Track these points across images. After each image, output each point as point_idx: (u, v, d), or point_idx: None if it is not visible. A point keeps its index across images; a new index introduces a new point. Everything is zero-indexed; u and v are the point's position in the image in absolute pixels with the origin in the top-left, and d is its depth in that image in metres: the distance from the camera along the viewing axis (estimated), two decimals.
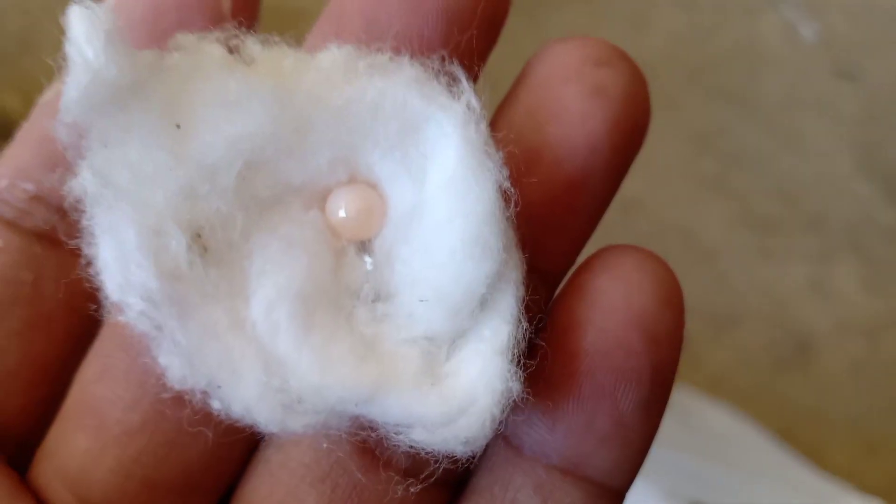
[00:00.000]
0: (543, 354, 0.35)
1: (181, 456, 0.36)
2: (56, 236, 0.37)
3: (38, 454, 0.38)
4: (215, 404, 0.31)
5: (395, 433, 0.32)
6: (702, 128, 1.03)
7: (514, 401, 0.32)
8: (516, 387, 0.32)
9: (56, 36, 0.30)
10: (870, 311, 0.99)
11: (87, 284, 0.32)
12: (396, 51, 0.34)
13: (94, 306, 0.32)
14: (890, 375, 0.97)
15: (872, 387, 0.96)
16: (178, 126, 0.32)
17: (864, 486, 0.88)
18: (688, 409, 0.89)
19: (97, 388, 0.36)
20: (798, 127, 1.05)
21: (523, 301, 0.33)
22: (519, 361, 0.32)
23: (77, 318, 0.38)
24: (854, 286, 0.99)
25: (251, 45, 0.33)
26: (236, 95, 0.32)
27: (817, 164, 1.04)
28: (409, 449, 0.32)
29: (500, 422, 0.31)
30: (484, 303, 0.33)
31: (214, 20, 0.35)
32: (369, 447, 0.35)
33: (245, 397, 0.31)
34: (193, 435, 0.35)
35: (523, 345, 0.33)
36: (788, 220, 1.02)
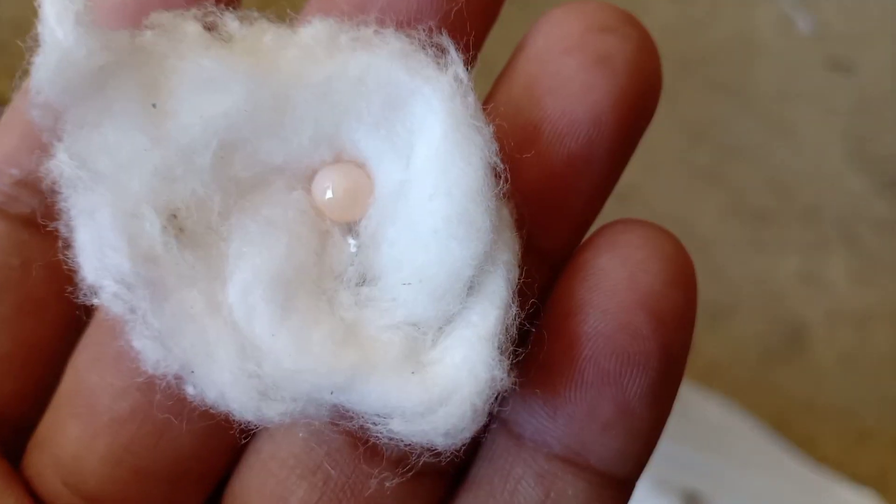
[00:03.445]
0: (539, 339, 0.33)
1: (172, 445, 0.35)
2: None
3: (31, 443, 0.36)
4: (189, 390, 0.30)
5: (374, 423, 0.30)
6: (696, 119, 1.01)
7: (502, 391, 0.30)
8: (503, 376, 0.29)
9: (35, 46, 0.29)
10: (861, 302, 0.98)
11: (66, 267, 0.30)
12: (381, 23, 0.32)
13: (70, 289, 0.31)
14: (880, 366, 0.96)
15: (863, 377, 0.96)
16: (154, 106, 0.30)
17: (854, 475, 0.88)
18: (681, 399, 0.88)
19: (89, 375, 0.35)
20: (791, 119, 1.04)
21: (515, 285, 0.31)
22: (509, 349, 0.30)
23: (69, 303, 0.36)
24: (845, 277, 0.99)
25: (229, 21, 0.31)
26: (212, 74, 0.30)
27: (810, 156, 1.03)
28: (387, 441, 0.30)
29: (485, 414, 0.29)
30: (472, 286, 0.31)
31: None
32: (361, 438, 0.33)
33: (219, 382, 0.29)
34: (179, 423, 0.34)
35: (514, 331, 0.31)
36: (781, 211, 1.01)
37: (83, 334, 0.36)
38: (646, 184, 0.95)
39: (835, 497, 0.86)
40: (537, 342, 0.33)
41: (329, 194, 0.32)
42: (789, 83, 1.05)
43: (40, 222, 0.33)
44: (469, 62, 0.31)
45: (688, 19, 1.06)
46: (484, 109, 0.31)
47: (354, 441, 0.34)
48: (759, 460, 0.88)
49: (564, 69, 0.32)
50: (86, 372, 0.35)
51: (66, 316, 0.37)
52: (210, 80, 0.30)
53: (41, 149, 0.31)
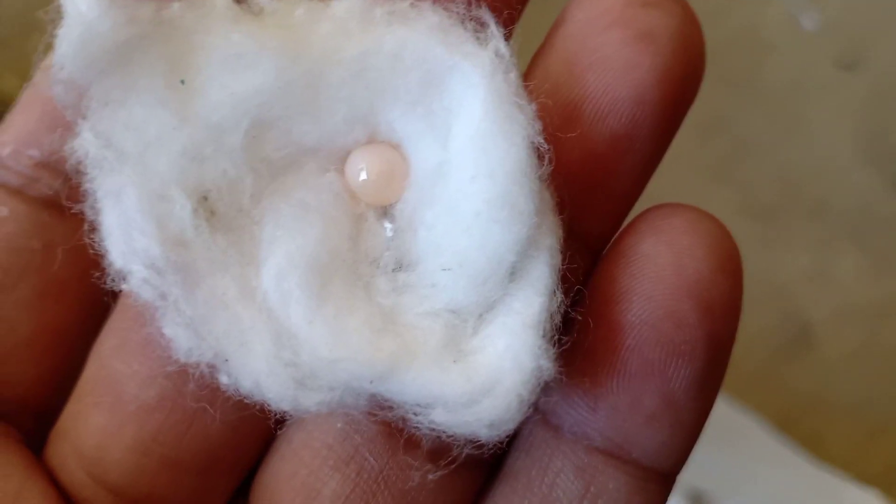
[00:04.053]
0: (583, 327, 0.31)
1: (201, 433, 0.34)
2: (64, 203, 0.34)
3: (53, 433, 0.35)
4: (223, 379, 0.28)
5: (415, 414, 0.28)
6: (705, 115, 1.00)
7: (547, 381, 0.28)
8: (548, 365, 0.28)
9: (57, 19, 0.28)
10: (870, 299, 0.96)
11: (92, 251, 0.29)
12: None
13: (97, 274, 0.29)
14: (889, 363, 0.95)
15: (872, 374, 0.94)
16: (183, 82, 0.29)
17: (863, 474, 0.86)
18: None
19: (113, 362, 0.34)
20: (801, 115, 1.02)
21: (559, 270, 0.29)
22: (553, 337, 0.29)
23: (92, 287, 0.34)
24: (855, 274, 0.97)
25: None
26: (242, 49, 0.29)
27: (819, 152, 1.01)
28: (429, 432, 0.28)
29: (530, 404, 0.28)
30: (514, 272, 0.29)
31: None
32: (396, 427, 0.32)
33: (254, 371, 0.28)
34: (213, 412, 0.33)
35: (558, 318, 0.29)
36: (790, 207, 0.99)
37: (107, 320, 0.35)
38: (654, 180, 0.94)
39: (841, 496, 0.85)
40: (580, 330, 0.31)
41: (363, 176, 0.31)
42: (799, 79, 1.04)
43: (64, 204, 0.32)
44: (510, 36, 0.30)
45: (697, 15, 1.05)
46: (525, 87, 0.29)
47: (391, 431, 0.33)
48: (766, 458, 0.87)
49: (606, 45, 0.31)
50: (110, 359, 0.34)
51: (89, 300, 0.36)
52: (240, 55, 0.29)
53: (64, 127, 0.30)
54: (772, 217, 0.99)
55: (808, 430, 0.91)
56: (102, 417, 0.34)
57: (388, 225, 0.31)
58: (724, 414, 0.88)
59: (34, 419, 0.36)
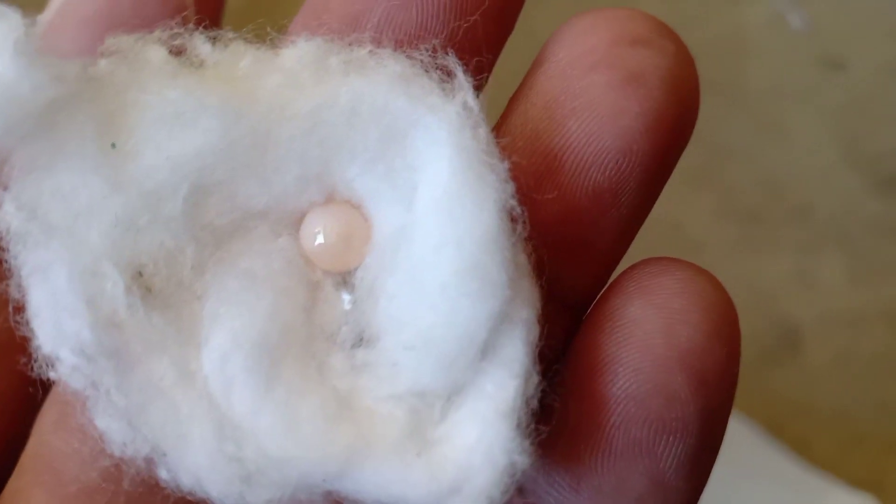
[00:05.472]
0: (564, 402, 0.28)
1: None
2: None
3: None
4: (162, 474, 0.25)
5: None
6: None
7: (520, 479, 0.25)
8: (523, 460, 0.25)
9: None
10: (855, 303, 0.95)
11: (18, 335, 0.26)
12: (377, 42, 0.27)
13: (23, 360, 0.27)
14: (875, 367, 0.93)
15: (858, 379, 0.93)
16: (114, 146, 0.26)
17: (849, 479, 0.85)
18: None
19: (52, 438, 0.31)
20: (784, 118, 1.01)
21: (536, 347, 0.26)
22: (529, 426, 0.26)
23: None
24: (839, 278, 0.96)
25: (199, 44, 0.27)
26: (180, 107, 0.26)
27: (803, 155, 1.00)
28: None
29: None
30: (486, 350, 0.26)
31: (176, 12, 0.29)
32: None
33: (194, 466, 0.25)
34: (162, 495, 0.29)
35: (535, 404, 0.26)
36: (774, 211, 0.97)
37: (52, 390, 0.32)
38: None
39: (831, 501, 0.83)
40: (560, 409, 0.28)
41: (320, 240, 0.28)
42: (781, 81, 1.03)
43: None
44: (480, 87, 0.27)
45: (678, 16, 1.02)
46: (497, 143, 0.27)
47: None
48: (754, 464, 0.85)
49: (590, 88, 0.28)
50: (50, 435, 0.31)
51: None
52: (178, 114, 0.26)
53: None
54: (755, 221, 0.97)
55: (794, 436, 0.89)
56: (43, 498, 0.31)
57: (346, 296, 0.28)
58: None
59: None
